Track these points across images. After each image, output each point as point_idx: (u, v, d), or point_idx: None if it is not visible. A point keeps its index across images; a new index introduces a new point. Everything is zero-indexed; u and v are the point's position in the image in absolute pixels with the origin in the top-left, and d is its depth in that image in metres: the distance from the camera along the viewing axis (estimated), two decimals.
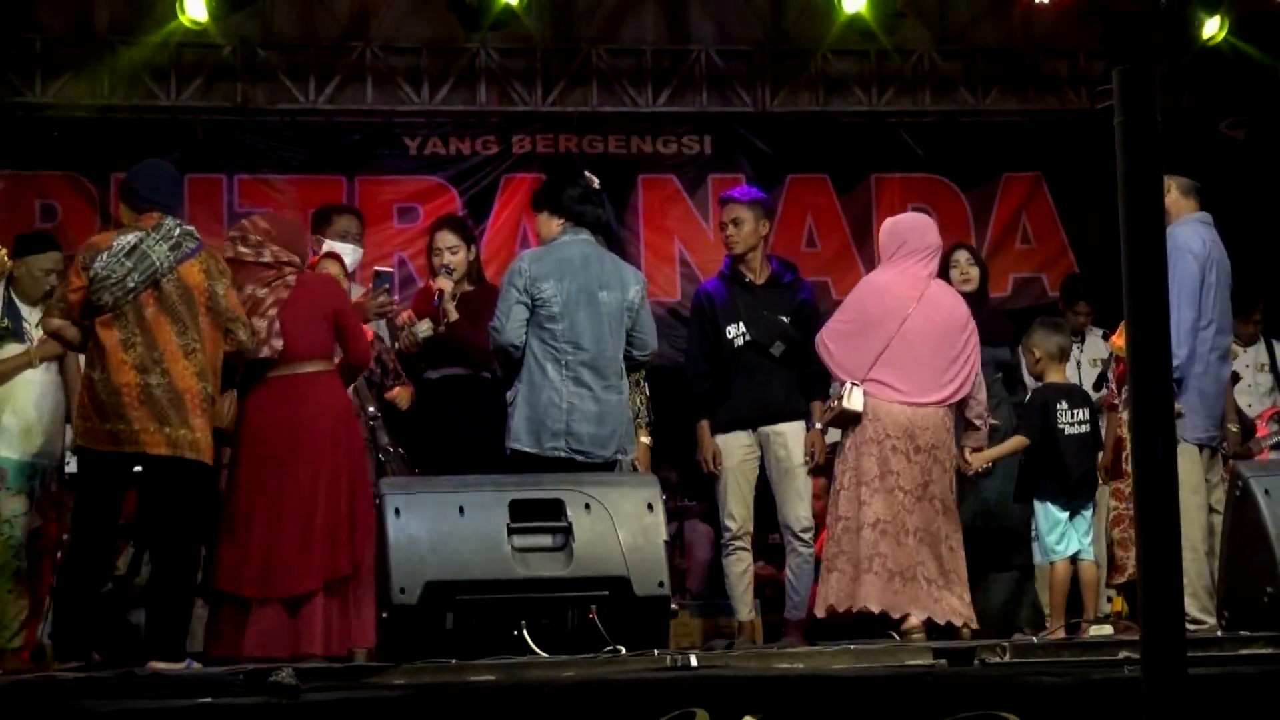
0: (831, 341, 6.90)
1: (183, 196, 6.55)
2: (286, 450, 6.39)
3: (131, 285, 6.15)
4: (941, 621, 6.66)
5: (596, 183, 6.76)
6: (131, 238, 6.22)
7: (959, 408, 6.94)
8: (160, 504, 6.24)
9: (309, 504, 6.36)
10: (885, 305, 6.85)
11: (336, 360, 6.62)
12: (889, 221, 7.22)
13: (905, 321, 6.79)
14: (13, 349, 6.94)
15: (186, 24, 9.59)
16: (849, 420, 6.75)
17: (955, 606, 6.69)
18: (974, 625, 6.76)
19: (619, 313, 6.58)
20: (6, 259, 6.76)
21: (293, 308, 6.45)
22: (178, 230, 6.27)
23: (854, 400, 6.70)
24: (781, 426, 7.28)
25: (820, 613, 6.80)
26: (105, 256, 6.18)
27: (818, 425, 7.27)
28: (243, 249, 6.55)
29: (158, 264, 6.17)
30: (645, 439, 7.34)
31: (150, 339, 6.15)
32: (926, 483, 6.71)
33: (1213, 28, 10.00)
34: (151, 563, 6.57)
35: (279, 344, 6.39)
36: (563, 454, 6.43)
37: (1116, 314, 6.98)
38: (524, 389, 6.48)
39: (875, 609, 6.59)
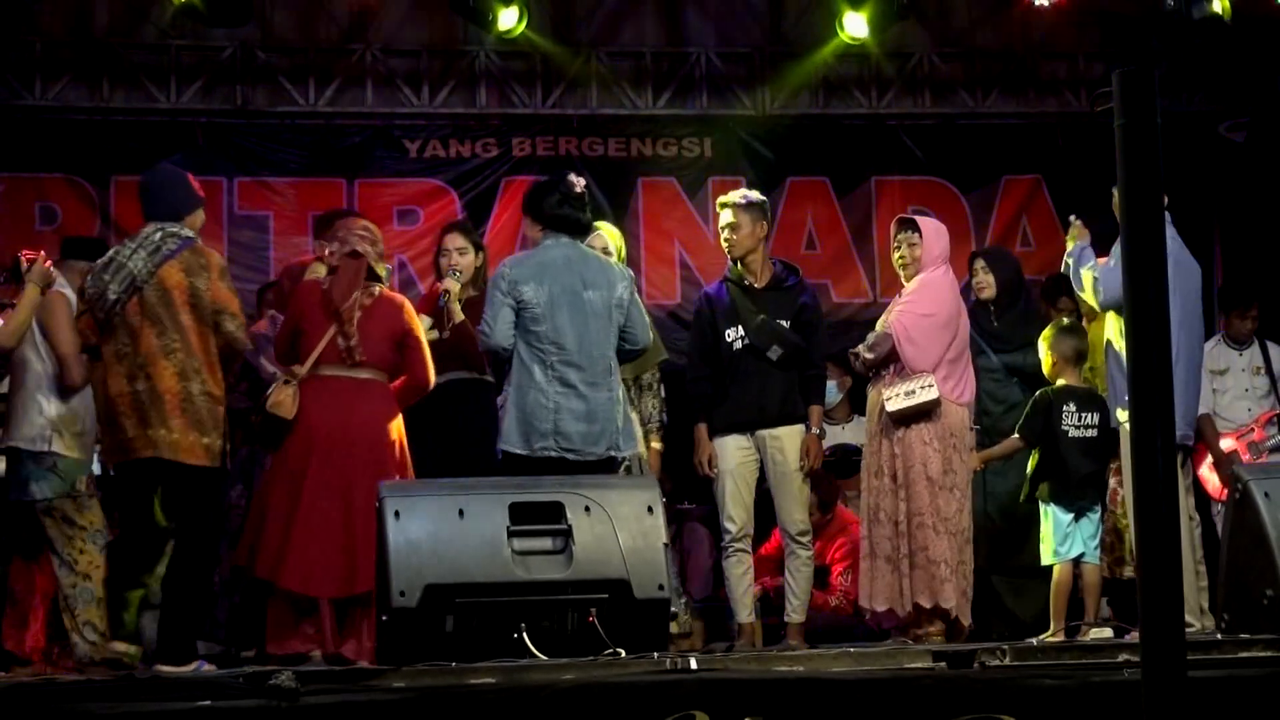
0: (915, 330, 7.05)
1: (187, 196, 6.53)
2: (326, 450, 6.41)
3: (113, 298, 6.28)
4: (966, 622, 6.98)
5: (580, 185, 6.72)
6: (111, 252, 6.37)
7: None
8: (143, 507, 6.31)
9: (348, 505, 6.34)
10: (957, 304, 7.16)
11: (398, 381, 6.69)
12: (939, 226, 7.39)
13: (962, 320, 7.15)
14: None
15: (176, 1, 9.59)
16: (924, 412, 6.92)
17: (962, 603, 6.97)
18: (966, 620, 7.03)
19: (606, 311, 6.59)
20: (51, 269, 6.74)
21: (368, 316, 6.55)
22: (158, 234, 6.33)
23: (934, 391, 6.90)
24: (778, 430, 7.26)
25: (883, 608, 7.00)
26: (91, 277, 6.37)
27: (814, 431, 7.28)
28: (370, 249, 6.67)
29: (135, 272, 6.26)
30: (656, 444, 7.35)
31: (136, 346, 6.26)
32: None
33: (1216, 6, 9.97)
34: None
35: (360, 352, 6.49)
36: (553, 454, 6.44)
37: None
38: (512, 392, 6.53)
39: (949, 606, 6.86)
